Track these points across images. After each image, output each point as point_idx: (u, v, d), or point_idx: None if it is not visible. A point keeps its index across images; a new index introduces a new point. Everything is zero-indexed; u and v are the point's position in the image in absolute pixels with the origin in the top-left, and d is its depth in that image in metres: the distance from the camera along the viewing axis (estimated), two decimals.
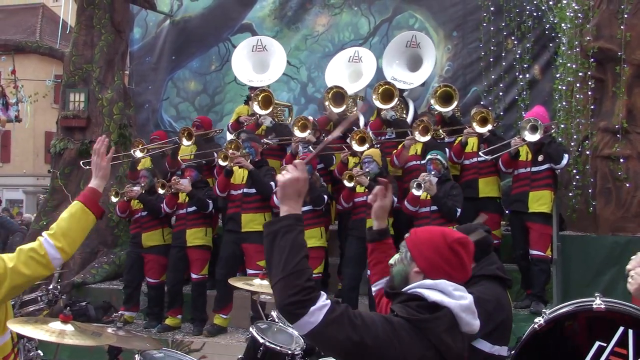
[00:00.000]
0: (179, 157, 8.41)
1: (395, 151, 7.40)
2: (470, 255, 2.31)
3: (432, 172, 6.57)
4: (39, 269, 2.76)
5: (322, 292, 2.09)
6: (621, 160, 6.69)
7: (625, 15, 6.68)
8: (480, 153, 6.97)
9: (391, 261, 2.42)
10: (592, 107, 6.93)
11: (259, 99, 7.95)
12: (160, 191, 7.56)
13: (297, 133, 7.52)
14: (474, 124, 6.99)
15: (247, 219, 7.07)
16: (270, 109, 7.93)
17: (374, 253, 2.93)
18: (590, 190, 6.84)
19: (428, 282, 2.20)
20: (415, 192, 6.47)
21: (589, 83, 6.91)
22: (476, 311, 2.24)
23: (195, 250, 7.41)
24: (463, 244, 2.28)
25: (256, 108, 7.92)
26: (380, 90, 7.60)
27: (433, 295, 2.16)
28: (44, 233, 2.82)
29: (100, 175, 2.99)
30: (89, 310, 7.86)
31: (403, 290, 2.24)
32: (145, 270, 7.77)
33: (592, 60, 6.86)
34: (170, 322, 7.53)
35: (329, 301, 2.08)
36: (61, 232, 2.80)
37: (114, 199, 7.86)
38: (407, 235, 2.39)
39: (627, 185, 6.68)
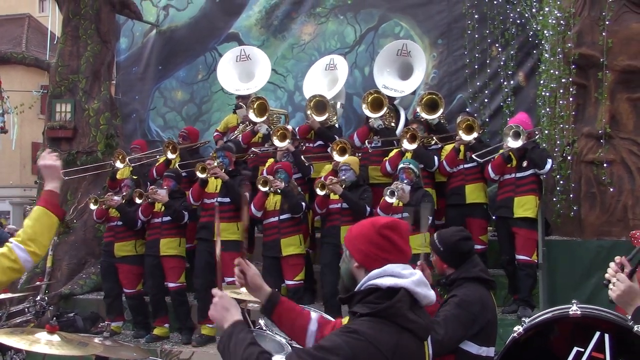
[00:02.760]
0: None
1: (386, 158, 7.42)
2: (403, 235, 2.32)
3: (405, 181, 6.63)
4: (9, 273, 2.79)
5: (272, 356, 2.19)
6: (605, 165, 6.77)
7: (607, 22, 6.78)
8: (473, 156, 7.01)
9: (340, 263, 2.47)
10: (574, 112, 7.01)
11: (254, 106, 7.97)
12: (138, 201, 7.54)
13: (277, 142, 7.55)
14: (460, 132, 7.04)
15: (221, 227, 7.01)
16: (266, 117, 7.95)
17: (282, 317, 2.64)
18: (573, 195, 6.91)
19: (376, 271, 2.23)
20: (388, 199, 6.52)
21: (571, 89, 6.99)
22: (428, 283, 2.28)
23: (169, 258, 7.37)
24: (392, 227, 2.29)
25: (252, 116, 7.94)
26: (369, 99, 7.64)
27: (386, 281, 2.19)
28: (12, 239, 2.86)
29: (56, 176, 3.04)
30: (76, 321, 7.82)
31: (355, 290, 2.27)
32: (121, 280, 7.74)
33: (573, 66, 6.94)
34: (159, 331, 7.51)
35: (282, 358, 2.17)
36: (28, 238, 2.83)
37: (92, 206, 7.83)
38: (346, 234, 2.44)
39: (611, 190, 6.75)
